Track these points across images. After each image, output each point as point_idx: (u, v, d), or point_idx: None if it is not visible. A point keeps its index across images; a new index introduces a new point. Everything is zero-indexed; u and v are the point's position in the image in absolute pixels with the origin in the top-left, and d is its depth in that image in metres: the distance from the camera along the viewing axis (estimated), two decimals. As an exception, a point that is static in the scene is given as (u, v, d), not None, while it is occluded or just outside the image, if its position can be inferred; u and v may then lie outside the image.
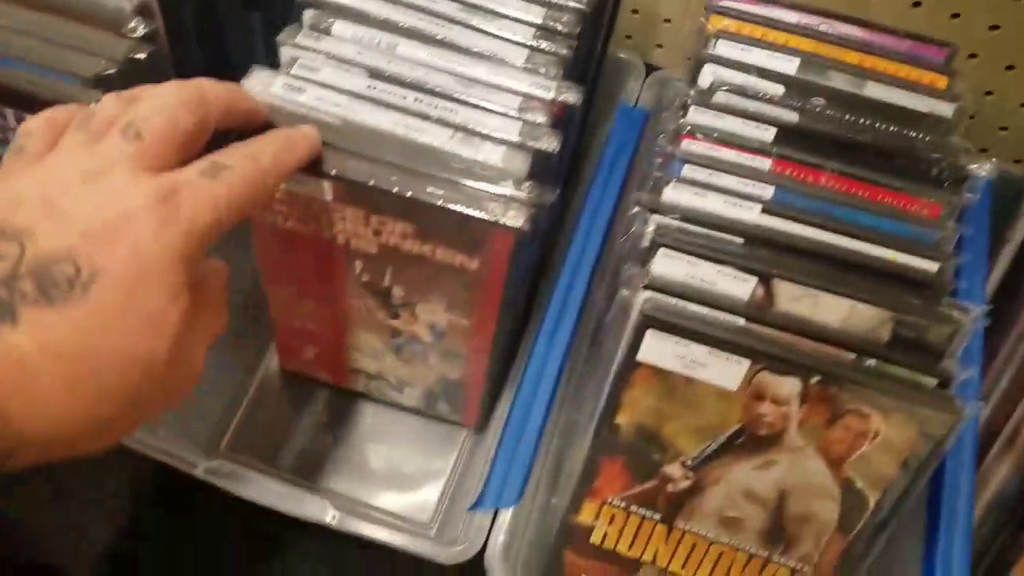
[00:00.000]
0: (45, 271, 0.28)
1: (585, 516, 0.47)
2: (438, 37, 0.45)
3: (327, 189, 0.41)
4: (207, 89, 0.34)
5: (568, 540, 0.48)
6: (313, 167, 0.39)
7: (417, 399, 0.57)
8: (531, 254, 0.48)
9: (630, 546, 0.47)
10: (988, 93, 0.65)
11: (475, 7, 0.46)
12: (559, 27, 0.46)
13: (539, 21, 0.46)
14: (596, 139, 0.58)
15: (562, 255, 0.53)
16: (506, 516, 0.44)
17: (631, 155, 0.55)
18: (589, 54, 0.50)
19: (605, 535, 0.47)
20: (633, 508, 0.46)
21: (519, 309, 0.52)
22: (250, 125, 0.38)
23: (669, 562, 0.47)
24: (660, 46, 0.72)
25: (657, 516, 0.46)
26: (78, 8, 0.45)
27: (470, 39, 0.45)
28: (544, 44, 0.45)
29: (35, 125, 0.33)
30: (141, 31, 0.45)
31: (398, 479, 0.56)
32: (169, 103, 0.33)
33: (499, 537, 0.44)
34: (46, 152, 0.32)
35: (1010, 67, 0.63)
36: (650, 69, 0.72)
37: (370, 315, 0.50)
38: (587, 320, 0.52)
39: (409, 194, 0.40)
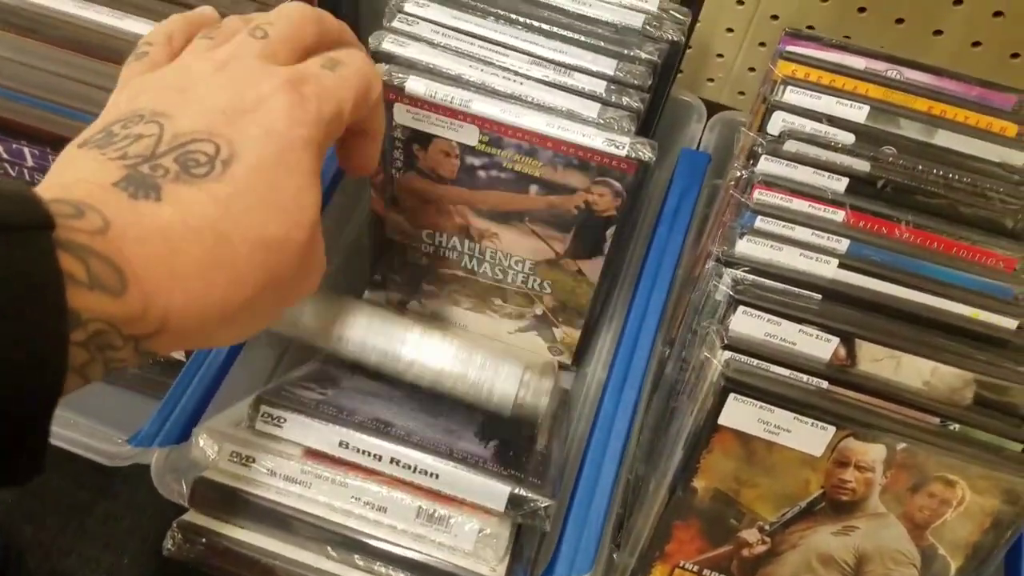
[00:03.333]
0: (185, 149, 0.29)
1: (655, 577, 0.46)
2: (510, 92, 0.44)
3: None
4: (326, 14, 0.36)
5: (636, 599, 0.48)
6: None
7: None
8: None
9: (700, 607, 0.47)
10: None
11: (546, 60, 0.45)
12: (632, 79, 0.45)
13: (611, 73, 0.45)
14: (655, 181, 0.57)
15: (626, 298, 0.52)
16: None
17: (695, 200, 0.54)
18: (655, 99, 0.49)
19: (675, 596, 0.47)
20: (706, 572, 0.45)
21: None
22: None
23: (739, 624, 0.47)
24: (711, 80, 0.71)
25: (730, 579, 0.45)
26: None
27: (542, 94, 0.44)
28: (616, 98, 0.45)
29: (155, 36, 0.35)
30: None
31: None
32: (293, 14, 0.34)
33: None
34: (167, 60, 0.34)
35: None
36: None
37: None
38: (651, 365, 0.51)
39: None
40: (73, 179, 0.28)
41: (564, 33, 0.45)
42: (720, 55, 0.69)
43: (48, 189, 0.27)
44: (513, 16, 0.45)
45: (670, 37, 0.46)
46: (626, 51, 0.45)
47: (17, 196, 0.23)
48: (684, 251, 0.55)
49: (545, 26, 0.45)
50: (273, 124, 0.30)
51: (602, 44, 0.45)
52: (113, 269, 0.25)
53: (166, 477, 0.44)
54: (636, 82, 0.45)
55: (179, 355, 0.55)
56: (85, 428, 0.56)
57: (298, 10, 0.35)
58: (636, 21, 0.46)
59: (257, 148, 0.30)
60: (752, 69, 0.69)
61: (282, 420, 0.39)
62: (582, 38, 0.45)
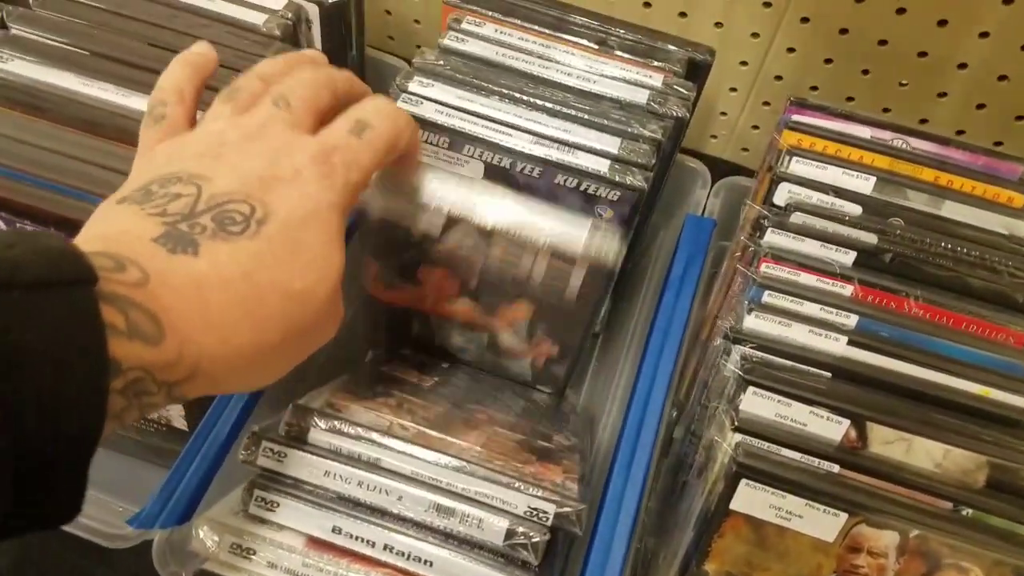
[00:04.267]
0: (222, 209, 0.30)
1: (666, 656, 0.46)
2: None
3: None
4: (336, 77, 0.38)
5: (646, 676, 0.47)
6: None
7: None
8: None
9: None
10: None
11: (550, 139, 0.45)
12: (636, 158, 0.45)
13: (615, 152, 0.45)
14: (661, 244, 0.57)
15: (632, 370, 0.52)
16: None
17: (701, 267, 0.54)
18: (660, 172, 0.49)
19: (687, 675, 0.46)
20: (718, 652, 0.44)
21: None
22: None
23: None
24: (715, 137, 0.71)
25: (742, 658, 0.44)
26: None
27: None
28: (620, 176, 0.44)
29: (166, 94, 0.36)
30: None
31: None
32: (309, 81, 0.36)
33: None
34: (185, 120, 0.36)
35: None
36: (706, 159, 0.72)
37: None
38: (659, 435, 0.51)
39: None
40: (114, 232, 0.29)
41: (568, 111, 0.45)
42: (724, 113, 0.69)
43: (89, 241, 0.28)
44: (517, 95, 0.45)
45: (675, 113, 0.46)
46: (630, 129, 0.45)
47: (61, 253, 0.24)
48: (691, 315, 0.55)
49: (549, 104, 0.45)
50: (304, 190, 0.32)
51: (606, 122, 0.45)
52: (151, 319, 0.26)
53: (168, 561, 0.43)
54: (640, 160, 0.45)
55: (181, 424, 0.54)
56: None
57: (312, 75, 0.37)
58: (641, 97, 0.46)
59: (289, 211, 0.31)
60: (756, 127, 0.69)
61: (275, 504, 0.38)
62: (586, 116, 0.45)
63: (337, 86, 0.37)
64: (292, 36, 0.52)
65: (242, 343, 0.30)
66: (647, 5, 0.63)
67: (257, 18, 0.51)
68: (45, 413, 0.23)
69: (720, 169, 0.74)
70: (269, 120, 0.34)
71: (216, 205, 0.30)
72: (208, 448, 0.45)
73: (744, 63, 0.65)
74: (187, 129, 0.35)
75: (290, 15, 0.51)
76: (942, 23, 0.57)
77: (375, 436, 0.39)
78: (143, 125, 0.36)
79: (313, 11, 0.53)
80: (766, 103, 0.67)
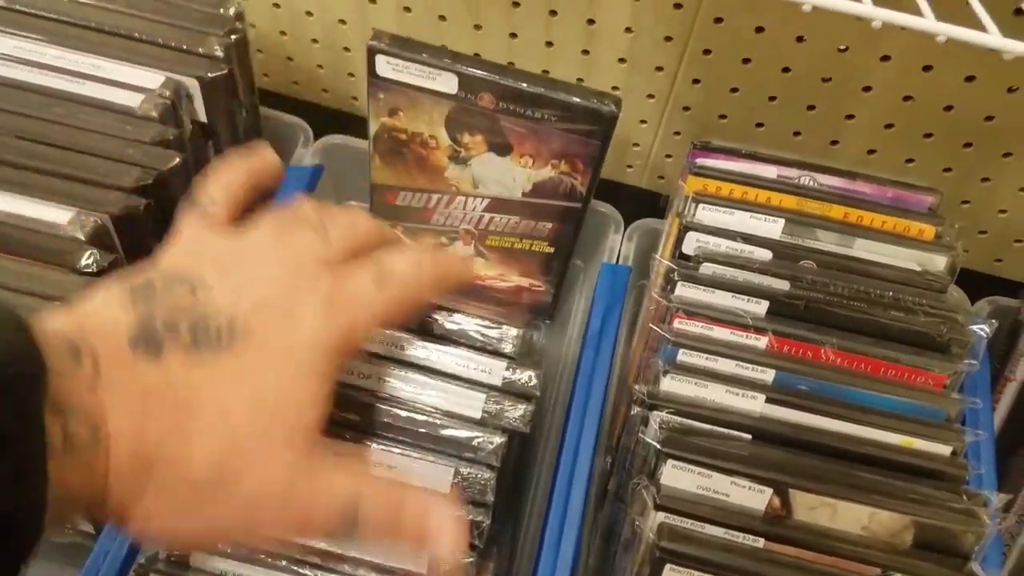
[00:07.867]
0: (203, 323, 0.29)
1: None
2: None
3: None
4: (375, 230, 0.36)
5: None
6: None
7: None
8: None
9: None
10: (965, 202, 0.64)
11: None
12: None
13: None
14: (582, 288, 0.56)
15: (559, 422, 0.51)
16: None
17: (619, 319, 0.53)
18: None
19: None
20: None
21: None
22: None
23: None
24: (630, 167, 0.70)
25: None
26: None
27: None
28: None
29: (217, 193, 0.35)
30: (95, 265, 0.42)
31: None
32: (361, 227, 0.35)
33: None
34: (228, 219, 0.35)
35: (985, 179, 0.62)
36: (623, 188, 0.71)
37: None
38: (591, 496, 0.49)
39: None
40: (94, 315, 0.29)
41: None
42: (636, 144, 0.68)
43: (72, 313, 0.28)
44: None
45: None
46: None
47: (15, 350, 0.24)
48: (615, 363, 0.54)
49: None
50: (302, 324, 0.30)
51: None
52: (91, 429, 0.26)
53: None
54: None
55: (86, 526, 0.52)
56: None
57: (364, 226, 0.35)
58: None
59: (276, 338, 0.30)
60: (669, 156, 0.68)
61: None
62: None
63: (375, 241, 0.35)
64: (172, 115, 0.49)
65: (183, 536, 0.29)
66: (549, 44, 0.62)
67: (132, 100, 0.48)
68: None
69: (638, 197, 0.73)
70: (304, 248, 0.33)
71: (200, 317, 0.29)
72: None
73: (651, 96, 0.63)
74: (225, 226, 0.34)
75: (168, 93, 0.49)
76: (843, 49, 0.56)
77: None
78: (187, 204, 0.35)
79: (193, 85, 0.50)
80: (676, 133, 0.66)
